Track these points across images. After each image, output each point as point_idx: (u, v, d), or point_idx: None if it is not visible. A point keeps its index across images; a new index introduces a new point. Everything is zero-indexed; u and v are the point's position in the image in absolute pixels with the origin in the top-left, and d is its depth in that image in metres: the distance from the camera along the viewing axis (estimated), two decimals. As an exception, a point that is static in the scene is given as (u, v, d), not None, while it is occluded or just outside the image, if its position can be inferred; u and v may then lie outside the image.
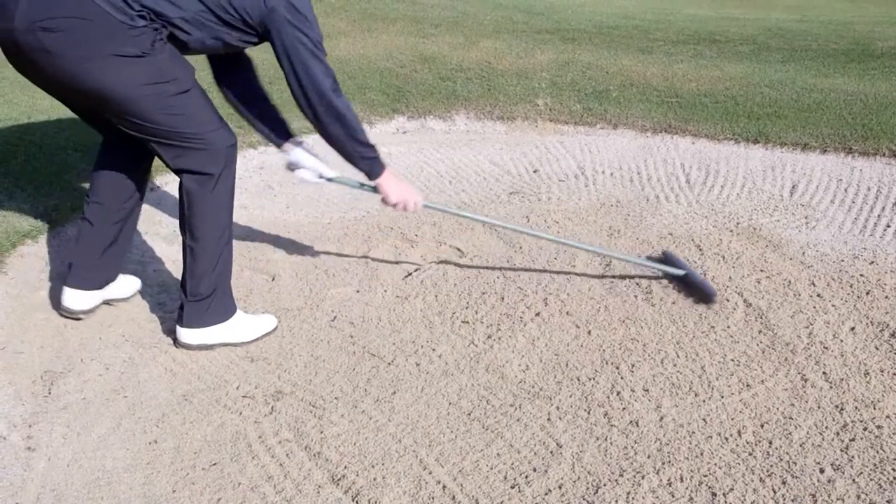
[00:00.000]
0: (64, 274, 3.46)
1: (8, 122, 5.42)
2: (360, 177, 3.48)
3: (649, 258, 3.92)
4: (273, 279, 3.86)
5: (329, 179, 3.56)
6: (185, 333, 3.30)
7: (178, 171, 3.08)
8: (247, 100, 3.36)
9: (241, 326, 3.39)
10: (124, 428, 2.92)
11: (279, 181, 5.00)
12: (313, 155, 3.53)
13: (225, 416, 2.96)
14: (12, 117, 5.54)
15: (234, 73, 3.35)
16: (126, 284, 3.62)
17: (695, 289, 3.63)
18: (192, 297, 3.24)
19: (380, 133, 5.82)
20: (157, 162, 3.27)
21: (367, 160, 3.35)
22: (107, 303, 3.55)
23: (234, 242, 4.12)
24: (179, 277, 3.78)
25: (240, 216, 4.39)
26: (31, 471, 2.71)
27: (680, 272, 3.72)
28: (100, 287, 3.47)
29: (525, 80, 6.57)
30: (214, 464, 2.73)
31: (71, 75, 2.73)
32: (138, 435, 2.88)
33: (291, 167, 3.50)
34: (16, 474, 2.68)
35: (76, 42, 2.66)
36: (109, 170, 3.29)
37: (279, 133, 3.41)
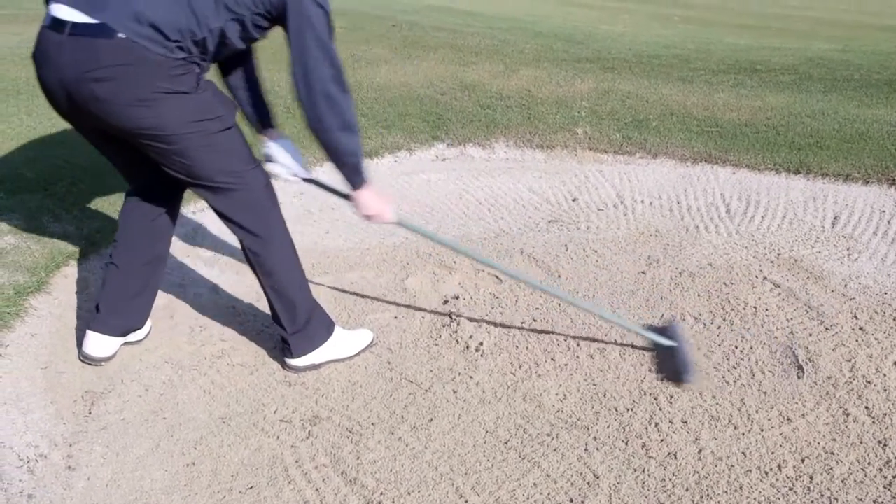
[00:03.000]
0: (92, 313, 3.45)
1: (53, 144, 5.52)
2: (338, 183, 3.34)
3: (650, 327, 3.63)
4: (312, 304, 3.87)
5: (304, 179, 3.46)
6: (296, 362, 3.38)
7: (227, 221, 3.12)
8: (241, 82, 3.30)
9: (343, 342, 3.45)
10: (163, 449, 2.94)
11: (319, 207, 5.03)
12: (291, 152, 3.43)
13: (262, 439, 2.98)
14: (58, 140, 5.63)
15: (234, 56, 3.29)
16: (146, 328, 3.62)
17: (677, 364, 3.32)
18: (293, 331, 3.30)
19: (419, 160, 5.85)
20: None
21: (352, 166, 3.13)
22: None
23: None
24: (218, 301, 3.83)
25: (279, 241, 4.42)
26: (71, 490, 2.74)
27: (671, 344, 3.41)
28: (124, 335, 3.48)
29: (565, 108, 6.58)
30: (251, 487, 2.74)
31: (124, 118, 2.75)
32: (176, 456, 2.90)
33: (267, 159, 3.45)
34: (56, 493, 2.72)
35: (128, 86, 2.69)
36: (138, 213, 3.31)
37: (263, 120, 3.36)
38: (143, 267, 3.36)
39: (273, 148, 3.35)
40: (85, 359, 3.42)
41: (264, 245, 3.16)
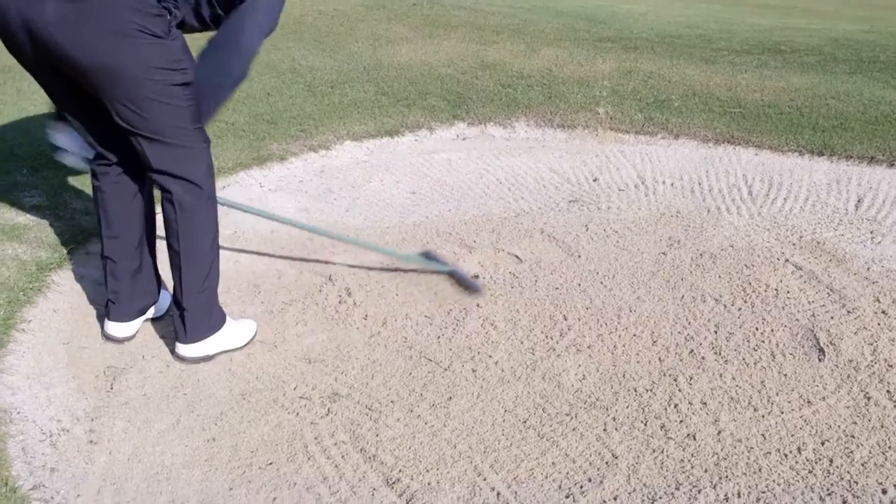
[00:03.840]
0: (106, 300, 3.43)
1: (76, 121, 5.53)
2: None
3: (423, 255, 4.03)
4: (330, 279, 3.88)
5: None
6: (187, 349, 3.28)
7: (161, 175, 3.00)
8: None
9: (233, 332, 3.38)
10: (183, 425, 2.96)
11: (339, 185, 5.03)
12: (78, 140, 3.41)
13: (282, 416, 2.99)
14: (80, 117, 5.64)
15: None
16: (164, 300, 3.60)
17: (462, 284, 3.84)
18: (192, 311, 3.20)
19: (440, 139, 5.84)
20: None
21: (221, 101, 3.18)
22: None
23: (294, 244, 4.17)
24: (239, 278, 3.84)
25: (299, 219, 4.43)
26: (93, 464, 2.76)
27: (445, 268, 3.90)
28: (142, 314, 3.47)
29: (586, 88, 6.55)
30: (271, 463, 2.76)
31: (88, 50, 2.66)
32: (197, 432, 2.92)
33: (55, 147, 3.41)
34: (78, 466, 2.74)
35: (102, 12, 2.63)
36: (111, 201, 3.24)
37: None
38: (135, 250, 3.32)
39: (61, 137, 3.34)
40: (108, 339, 3.44)
41: (198, 196, 3.06)
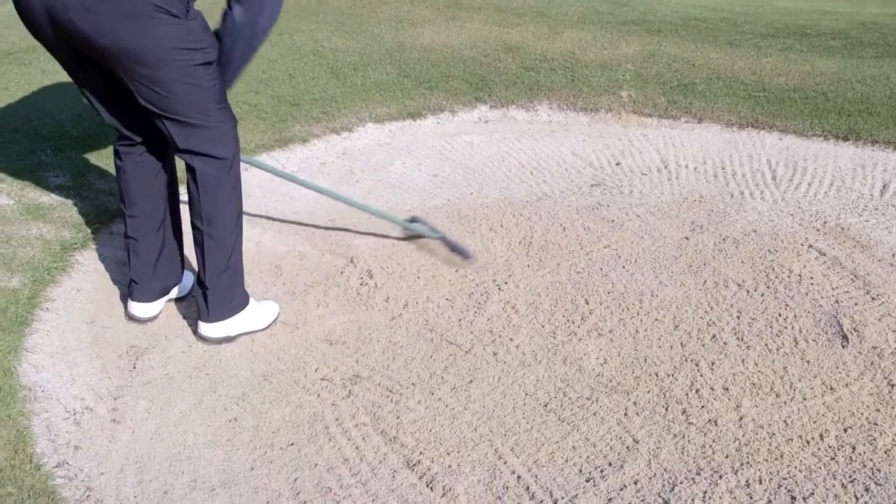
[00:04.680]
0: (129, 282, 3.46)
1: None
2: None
3: (411, 220, 4.12)
4: (352, 261, 3.89)
5: None
6: (210, 328, 3.31)
7: (187, 154, 3.03)
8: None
9: (256, 313, 3.40)
10: (205, 405, 2.98)
11: (361, 167, 5.04)
12: None
13: (303, 397, 3.00)
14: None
15: None
16: (187, 280, 3.63)
17: (453, 251, 3.95)
18: (215, 289, 3.22)
19: (462, 122, 5.83)
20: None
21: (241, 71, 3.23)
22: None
23: (316, 226, 4.18)
24: (261, 260, 3.85)
25: (320, 201, 4.44)
26: (116, 442, 2.78)
27: (435, 235, 4.00)
28: (165, 294, 3.49)
29: (609, 71, 6.51)
30: (292, 444, 2.77)
31: (109, 33, 2.69)
32: (219, 412, 2.94)
33: None
34: (101, 445, 2.77)
35: None
36: (134, 181, 3.26)
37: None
38: (158, 231, 3.34)
39: None
40: (130, 319, 3.46)
41: (223, 175, 3.08)
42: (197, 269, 3.25)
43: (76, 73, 3.02)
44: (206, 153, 3.03)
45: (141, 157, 3.23)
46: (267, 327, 3.42)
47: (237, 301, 3.31)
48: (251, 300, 3.39)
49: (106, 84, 2.99)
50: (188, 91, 2.89)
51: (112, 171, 4.58)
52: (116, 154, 3.25)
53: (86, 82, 3.06)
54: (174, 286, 3.52)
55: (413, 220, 4.08)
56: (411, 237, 4.07)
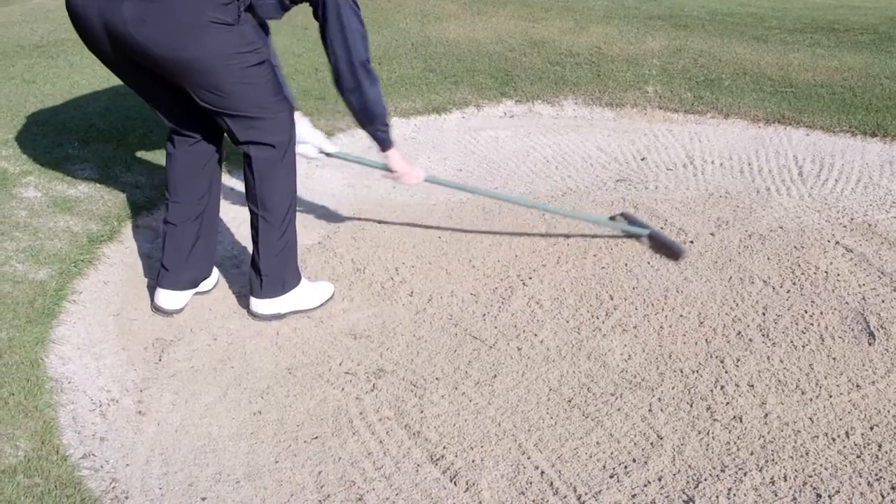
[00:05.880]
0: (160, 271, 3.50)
1: (126, 95, 5.57)
2: (362, 153, 3.51)
3: (612, 218, 4.20)
4: (376, 255, 3.89)
5: (328, 154, 3.65)
6: (261, 304, 3.40)
7: (245, 144, 3.14)
8: None
9: (308, 293, 3.48)
10: (230, 397, 2.99)
11: (386, 161, 5.04)
12: (311, 131, 3.61)
13: (327, 390, 3.01)
14: (130, 91, 5.68)
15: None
16: (213, 277, 3.68)
17: (664, 247, 3.91)
18: (268, 268, 3.32)
19: (487, 116, 5.82)
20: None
21: (384, 129, 3.37)
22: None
23: (340, 220, 4.19)
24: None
25: (346, 195, 4.45)
26: (142, 434, 2.80)
27: (644, 231, 3.99)
28: (193, 286, 3.53)
29: (635, 66, 6.48)
30: (316, 437, 2.78)
31: (165, 45, 2.77)
32: (243, 405, 2.95)
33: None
34: (127, 437, 2.79)
35: (176, 9, 2.72)
36: (181, 168, 3.34)
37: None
38: (195, 220, 3.41)
39: (298, 128, 3.42)
40: (157, 311, 3.49)
41: (277, 160, 3.18)
42: (252, 248, 3.35)
43: (134, 82, 3.13)
44: (263, 142, 3.13)
45: (192, 146, 3.31)
46: (318, 307, 3.49)
47: (289, 280, 3.40)
48: (304, 280, 3.47)
49: (163, 89, 3.08)
50: (245, 90, 2.98)
51: (139, 165, 4.62)
52: (170, 140, 3.34)
53: (143, 90, 3.17)
54: (203, 280, 3.55)
55: (621, 216, 4.18)
56: (627, 235, 4.08)
